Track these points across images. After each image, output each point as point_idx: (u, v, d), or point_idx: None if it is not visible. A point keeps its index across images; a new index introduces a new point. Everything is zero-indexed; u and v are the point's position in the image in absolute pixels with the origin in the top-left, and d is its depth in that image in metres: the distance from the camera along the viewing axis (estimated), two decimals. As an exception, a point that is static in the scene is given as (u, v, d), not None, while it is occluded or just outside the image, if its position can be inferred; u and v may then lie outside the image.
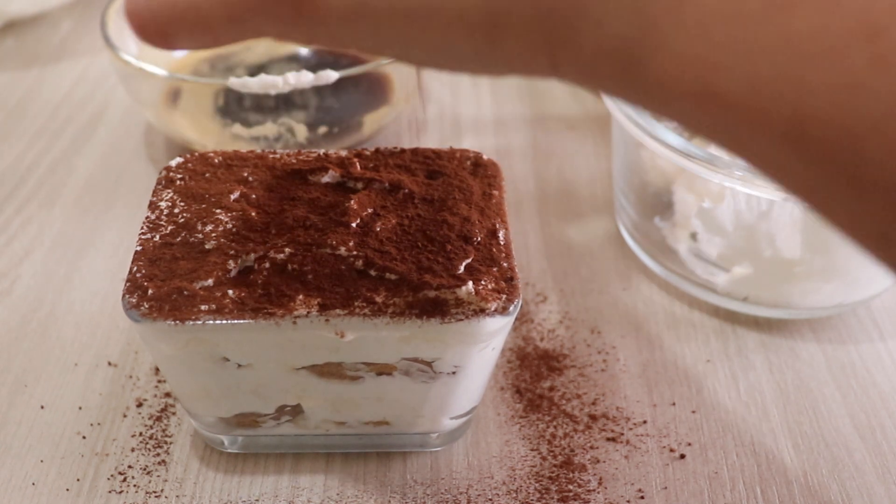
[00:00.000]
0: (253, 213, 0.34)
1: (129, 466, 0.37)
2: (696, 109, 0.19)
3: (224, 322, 0.31)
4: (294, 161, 0.37)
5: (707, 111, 0.19)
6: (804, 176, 0.18)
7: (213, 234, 0.33)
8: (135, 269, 0.32)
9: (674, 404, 0.40)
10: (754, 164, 0.19)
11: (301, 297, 0.31)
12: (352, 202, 0.34)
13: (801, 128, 0.17)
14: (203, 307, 0.31)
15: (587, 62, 0.21)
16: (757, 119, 0.18)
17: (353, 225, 0.33)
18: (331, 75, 0.49)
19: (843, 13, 0.16)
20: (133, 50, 0.53)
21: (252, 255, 0.32)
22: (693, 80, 0.18)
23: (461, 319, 0.31)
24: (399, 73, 0.53)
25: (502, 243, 0.34)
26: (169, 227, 0.34)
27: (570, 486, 0.37)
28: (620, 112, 0.43)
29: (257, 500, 0.36)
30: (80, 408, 0.40)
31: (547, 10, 0.20)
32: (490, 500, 0.36)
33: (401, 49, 0.24)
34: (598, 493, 0.36)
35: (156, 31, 0.24)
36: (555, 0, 0.20)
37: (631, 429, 0.39)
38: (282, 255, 0.32)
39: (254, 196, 0.35)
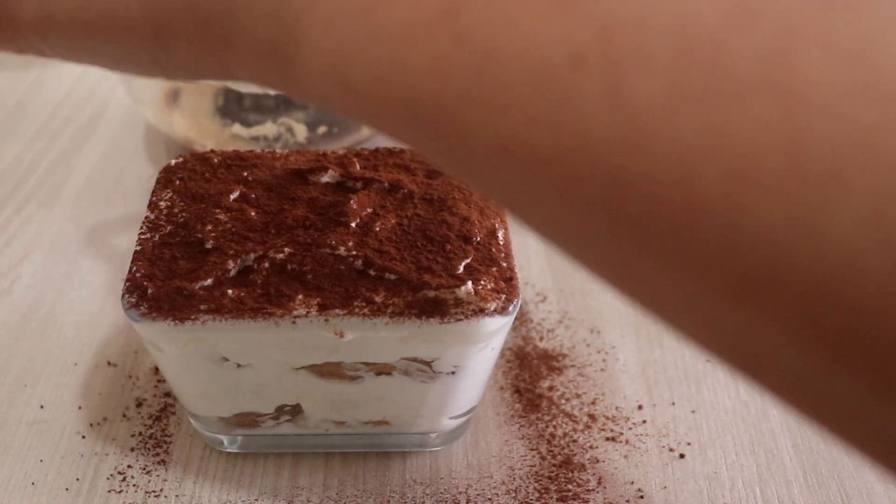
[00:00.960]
0: (252, 213, 0.34)
1: (129, 466, 0.37)
2: (345, 102, 0.20)
3: (224, 322, 0.31)
4: (294, 161, 0.37)
5: (352, 103, 0.20)
6: (422, 144, 0.19)
7: (213, 234, 0.33)
8: (134, 268, 0.32)
9: (673, 404, 0.40)
10: (404, 141, 0.21)
11: (300, 296, 0.31)
12: (351, 202, 0.34)
13: (416, 108, 0.18)
14: (202, 307, 0.31)
15: (249, 64, 0.22)
16: (383, 101, 0.19)
17: (353, 225, 0.33)
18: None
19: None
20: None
21: (252, 255, 0.32)
22: (332, 73, 0.20)
23: (460, 319, 0.31)
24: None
25: (502, 243, 0.34)
26: (168, 227, 0.34)
27: (570, 486, 0.37)
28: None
29: (257, 500, 0.36)
30: (79, 408, 0.40)
31: (202, 16, 0.22)
32: (489, 499, 0.36)
33: (93, 57, 0.26)
34: (598, 492, 0.36)
35: None
36: (207, 7, 0.22)
37: (630, 428, 0.39)
38: (281, 255, 0.32)
39: (253, 196, 0.35)
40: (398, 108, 0.19)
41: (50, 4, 0.25)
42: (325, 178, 0.36)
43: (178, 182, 0.36)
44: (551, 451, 0.38)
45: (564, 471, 0.37)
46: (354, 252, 0.32)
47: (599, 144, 0.16)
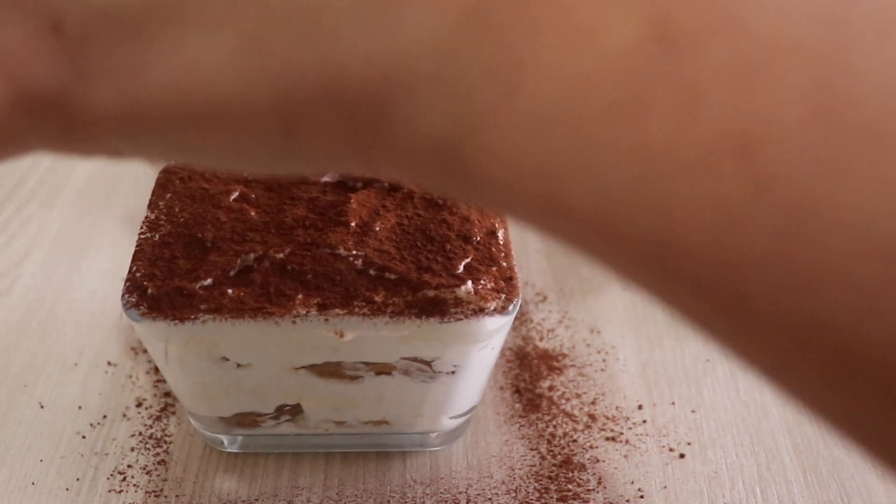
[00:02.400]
0: (252, 213, 0.34)
1: (129, 466, 0.37)
2: (537, 214, 0.16)
3: (224, 322, 0.31)
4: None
5: (550, 217, 0.16)
6: (679, 299, 0.16)
7: (213, 234, 0.33)
8: (134, 268, 0.32)
9: (673, 404, 0.40)
10: (607, 268, 0.17)
11: (300, 296, 0.31)
12: (351, 202, 0.34)
13: (668, 258, 0.15)
14: (203, 307, 0.31)
15: (403, 162, 0.18)
16: (615, 240, 0.15)
17: (353, 224, 0.33)
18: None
19: (704, 119, 0.14)
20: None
21: (251, 255, 0.32)
22: (528, 184, 0.16)
23: (460, 319, 0.31)
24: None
25: (501, 243, 0.34)
26: (168, 227, 0.34)
27: (570, 486, 0.37)
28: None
29: (257, 500, 0.36)
30: (79, 407, 0.40)
31: (349, 105, 0.17)
32: (489, 499, 0.36)
33: (192, 155, 0.20)
34: (598, 492, 0.36)
35: None
36: (356, 94, 0.17)
37: (630, 428, 0.39)
38: (281, 255, 0.32)
39: (253, 196, 0.35)
40: (642, 248, 0.15)
41: (136, 91, 0.18)
42: (325, 178, 0.36)
43: (178, 182, 0.36)
44: (551, 450, 0.38)
45: (564, 471, 0.37)
46: (354, 252, 0.32)
47: None
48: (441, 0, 0.16)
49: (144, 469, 0.37)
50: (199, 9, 0.17)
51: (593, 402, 0.40)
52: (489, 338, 0.33)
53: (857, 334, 0.13)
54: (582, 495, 0.36)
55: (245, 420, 0.36)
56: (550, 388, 0.41)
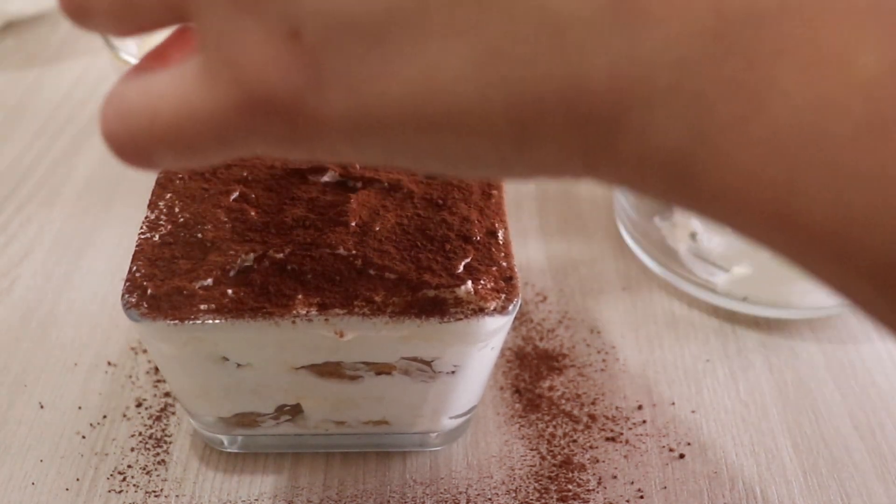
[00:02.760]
0: (252, 213, 0.34)
1: (129, 466, 0.37)
2: (766, 228, 0.17)
3: (223, 321, 0.31)
4: (293, 160, 0.37)
5: (780, 232, 0.17)
6: (891, 314, 0.16)
7: (213, 234, 0.33)
8: (134, 268, 0.32)
9: (673, 404, 0.40)
10: (833, 289, 0.17)
11: (300, 296, 0.31)
12: (351, 202, 0.34)
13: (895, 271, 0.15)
14: (202, 307, 0.31)
15: (630, 171, 0.18)
16: (844, 252, 0.16)
17: (353, 224, 0.33)
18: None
19: None
20: (133, 50, 0.53)
21: (251, 255, 0.32)
22: (763, 200, 0.16)
23: (460, 319, 0.31)
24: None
25: (501, 243, 0.34)
26: (168, 227, 0.34)
27: (570, 486, 0.37)
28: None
29: (257, 500, 0.36)
30: (79, 407, 0.40)
31: (584, 115, 0.17)
32: (489, 499, 0.36)
33: (413, 160, 0.21)
34: (598, 492, 0.36)
35: (135, 154, 0.22)
36: (592, 105, 0.17)
37: (630, 428, 0.39)
38: (281, 255, 0.32)
39: (253, 196, 0.35)
40: (865, 263, 0.15)
41: (372, 99, 0.19)
42: (325, 178, 0.36)
43: (178, 182, 0.36)
44: (551, 451, 0.38)
45: (564, 471, 0.37)
46: (354, 252, 0.32)
47: None
48: (684, 15, 0.16)
49: (144, 469, 0.37)
50: (443, 19, 0.17)
51: (593, 403, 0.40)
52: (489, 338, 0.33)
53: None
54: (582, 495, 0.36)
55: (245, 420, 0.36)
56: (550, 388, 0.41)
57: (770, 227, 0.17)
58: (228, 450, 0.38)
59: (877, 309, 0.17)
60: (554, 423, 0.39)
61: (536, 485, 0.37)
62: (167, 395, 0.40)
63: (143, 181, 0.53)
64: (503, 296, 0.32)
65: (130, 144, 0.22)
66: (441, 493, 0.36)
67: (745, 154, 0.16)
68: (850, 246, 0.16)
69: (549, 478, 0.37)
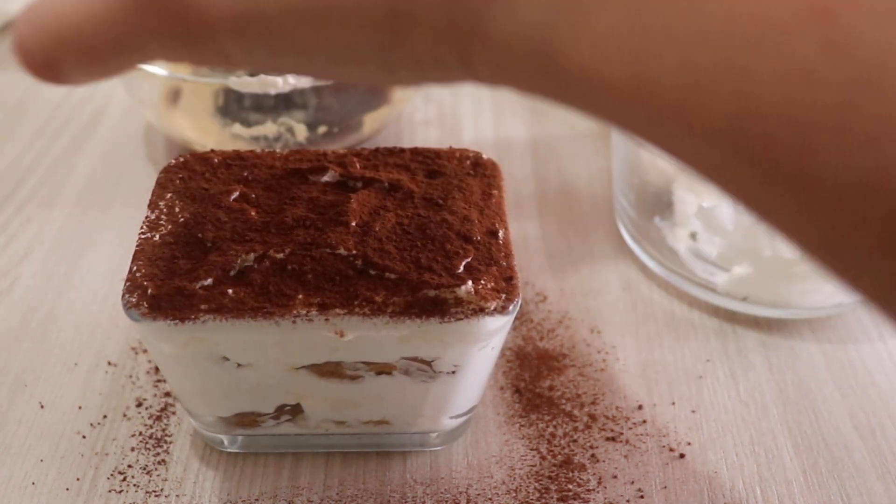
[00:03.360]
0: (252, 213, 0.34)
1: (129, 466, 0.37)
2: (622, 103, 0.18)
3: (224, 322, 0.31)
4: (293, 161, 0.37)
5: (634, 106, 0.17)
6: (742, 177, 0.17)
7: (213, 234, 0.33)
8: (135, 268, 0.32)
9: (673, 404, 0.40)
10: (686, 163, 0.18)
11: (301, 296, 0.31)
12: (351, 202, 0.34)
13: (742, 123, 0.16)
14: (203, 307, 0.31)
15: (499, 53, 0.19)
16: (692, 114, 0.16)
17: (353, 224, 0.33)
18: (331, 75, 0.49)
19: None
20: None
21: (252, 255, 0.32)
22: (618, 70, 0.17)
23: (460, 319, 0.31)
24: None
25: (502, 243, 0.34)
26: (169, 227, 0.34)
27: (570, 486, 0.37)
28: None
29: (257, 500, 0.36)
30: (79, 407, 0.40)
31: None
32: (490, 499, 0.36)
33: (299, 58, 0.22)
34: (598, 492, 0.36)
35: (43, 64, 0.23)
36: None
37: (630, 428, 0.39)
38: (281, 255, 0.32)
39: (253, 195, 0.35)
40: (715, 124, 0.16)
41: None
42: (326, 178, 0.36)
43: (178, 182, 0.36)
44: (551, 450, 0.38)
45: (565, 471, 0.37)
46: (354, 252, 0.32)
47: None
48: None
49: (144, 469, 0.37)
50: None
51: (593, 402, 0.40)
52: (489, 338, 0.33)
53: None
54: (582, 495, 0.36)
55: (245, 420, 0.36)
56: (550, 388, 0.41)
57: (626, 102, 0.17)
58: (229, 450, 0.38)
59: (726, 178, 0.17)
60: (554, 422, 0.39)
61: (537, 485, 0.37)
62: (167, 394, 0.40)
63: (143, 181, 0.53)
64: (503, 296, 0.32)
65: (38, 52, 0.23)
66: (441, 492, 0.36)
67: (602, 21, 0.17)
68: (698, 100, 0.16)
69: (550, 477, 0.37)
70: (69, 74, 0.23)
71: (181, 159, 0.38)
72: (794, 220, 0.17)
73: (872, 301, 0.17)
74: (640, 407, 0.40)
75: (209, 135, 0.53)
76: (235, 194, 0.35)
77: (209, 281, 0.32)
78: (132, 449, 0.38)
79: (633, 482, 0.37)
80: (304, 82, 0.49)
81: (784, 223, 0.17)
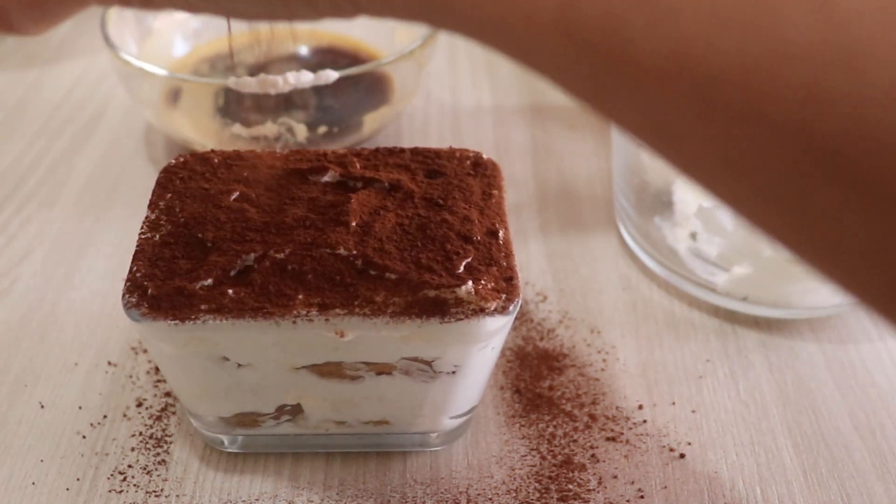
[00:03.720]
0: (253, 213, 0.34)
1: (129, 466, 0.37)
2: (481, 16, 0.19)
3: (224, 322, 0.31)
4: (293, 161, 0.37)
5: (488, 15, 0.18)
6: (580, 73, 0.17)
7: (213, 234, 0.33)
8: (135, 268, 0.32)
9: (673, 404, 0.40)
10: (541, 73, 0.19)
11: (301, 296, 0.31)
12: (351, 202, 0.34)
13: (567, 11, 0.17)
14: (203, 307, 0.31)
15: None
16: (528, 9, 0.17)
17: (353, 224, 0.33)
18: (331, 75, 0.49)
19: None
20: (133, 50, 0.53)
21: (252, 255, 0.32)
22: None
23: (461, 319, 0.31)
24: (399, 73, 0.53)
25: (502, 243, 0.34)
26: (169, 227, 0.34)
27: (570, 486, 0.37)
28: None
29: (257, 500, 0.36)
30: (80, 407, 0.40)
31: None
32: (490, 499, 0.36)
33: None
34: (598, 492, 0.36)
35: None
36: None
37: (630, 428, 0.39)
38: (281, 255, 0.32)
39: (253, 196, 0.35)
40: (547, 17, 0.17)
41: None
42: (326, 178, 0.36)
43: (178, 182, 0.36)
44: (551, 450, 0.38)
45: (565, 471, 0.37)
46: (355, 252, 0.32)
47: (801, 56, 0.14)
48: None
49: (144, 469, 0.37)
50: None
51: (593, 402, 0.40)
52: (489, 338, 0.33)
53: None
54: (582, 495, 0.36)
55: (245, 420, 0.36)
56: (550, 388, 0.41)
57: (482, 14, 0.18)
58: (229, 450, 0.38)
59: (569, 76, 0.18)
60: (554, 422, 0.39)
61: (537, 485, 0.37)
62: (167, 394, 0.40)
63: (143, 181, 0.53)
64: (504, 296, 0.32)
65: None
66: (441, 493, 0.36)
67: None
68: (530, 5, 0.17)
69: (550, 478, 0.37)
70: (20, 24, 0.25)
71: (181, 159, 0.38)
72: (629, 108, 0.17)
73: (696, 179, 0.17)
74: (640, 407, 0.40)
75: (209, 135, 0.53)
76: (235, 194, 0.35)
77: (209, 281, 0.32)
78: (132, 449, 0.38)
79: (633, 482, 0.37)
80: (305, 83, 0.49)
81: (622, 116, 0.18)
